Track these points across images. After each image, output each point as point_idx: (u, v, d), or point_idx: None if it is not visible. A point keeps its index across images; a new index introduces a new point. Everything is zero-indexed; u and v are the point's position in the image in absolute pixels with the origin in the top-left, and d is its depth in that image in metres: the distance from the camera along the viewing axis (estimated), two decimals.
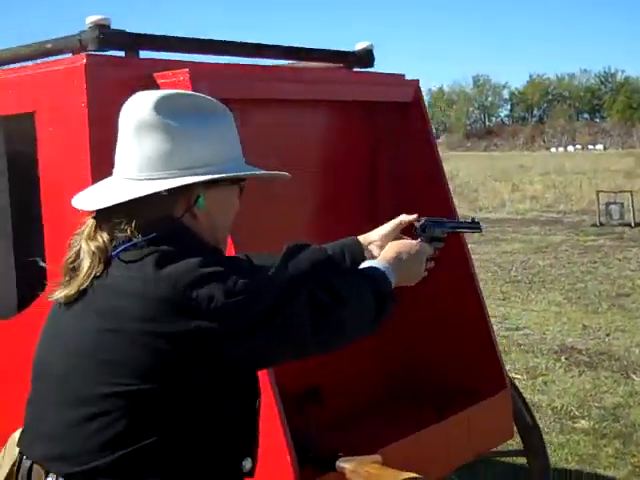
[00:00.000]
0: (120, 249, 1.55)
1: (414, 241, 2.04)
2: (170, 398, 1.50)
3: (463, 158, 42.84)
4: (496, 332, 7.91)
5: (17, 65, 2.58)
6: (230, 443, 1.61)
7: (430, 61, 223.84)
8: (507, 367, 6.64)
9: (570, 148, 69.14)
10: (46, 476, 1.51)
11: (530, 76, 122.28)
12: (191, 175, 1.59)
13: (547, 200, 20.92)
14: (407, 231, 2.13)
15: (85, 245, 1.58)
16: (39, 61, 2.50)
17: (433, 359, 3.06)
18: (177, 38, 2.55)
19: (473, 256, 10.98)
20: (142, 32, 2.46)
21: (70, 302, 1.58)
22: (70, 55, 2.39)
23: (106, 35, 2.32)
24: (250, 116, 2.70)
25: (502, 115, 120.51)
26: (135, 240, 1.55)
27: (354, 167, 3.12)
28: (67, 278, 1.59)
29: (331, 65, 3.18)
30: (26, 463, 1.55)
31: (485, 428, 2.85)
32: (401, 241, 2.02)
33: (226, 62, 2.77)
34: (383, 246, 2.03)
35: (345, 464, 2.18)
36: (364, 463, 2.15)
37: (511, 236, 14.88)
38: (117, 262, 1.55)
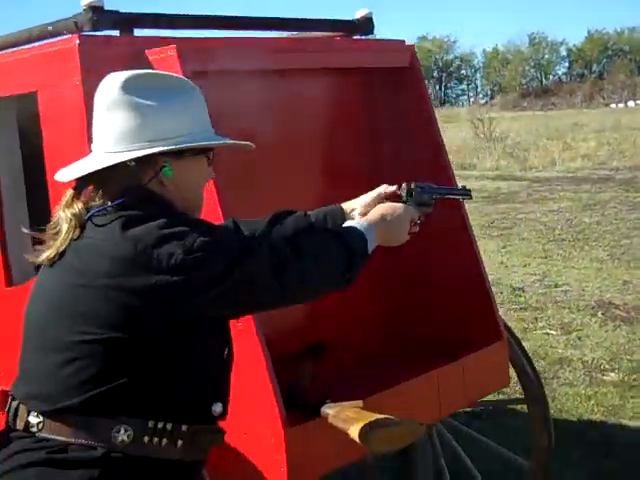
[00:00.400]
0: (91, 213, 1.73)
1: (399, 204, 2.12)
2: (138, 346, 1.66)
3: (518, 118, 42.14)
4: (534, 289, 8.03)
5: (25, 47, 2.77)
6: (198, 389, 1.76)
7: (483, 21, 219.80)
8: (542, 323, 6.82)
9: (630, 104, 67.44)
10: (28, 415, 1.69)
11: (588, 32, 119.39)
12: (155, 147, 1.74)
13: (600, 157, 20.58)
14: (396, 195, 2.24)
15: (63, 213, 1.76)
16: (42, 43, 2.67)
17: (430, 313, 3.19)
18: (169, 16, 2.69)
19: (519, 215, 11.01)
20: (136, 11, 2.61)
21: (52, 263, 1.76)
22: (74, 35, 2.55)
23: (99, 16, 2.49)
24: (245, 87, 2.84)
25: (560, 73, 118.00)
26: (105, 206, 1.72)
27: (353, 133, 3.25)
28: (50, 243, 1.77)
29: (330, 34, 3.30)
30: (13, 403, 1.73)
31: (479, 377, 2.97)
32: (386, 204, 2.12)
33: (224, 36, 2.91)
34: (364, 213, 2.15)
35: (328, 410, 2.34)
36: (345, 408, 2.30)
37: (559, 195, 14.74)
38: (90, 225, 1.73)
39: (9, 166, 2.85)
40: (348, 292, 3.12)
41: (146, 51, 2.49)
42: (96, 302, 1.66)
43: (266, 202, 2.91)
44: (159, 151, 1.74)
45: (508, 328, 3.36)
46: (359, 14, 3.30)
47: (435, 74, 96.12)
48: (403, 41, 3.26)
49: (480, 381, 3.00)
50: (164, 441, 1.69)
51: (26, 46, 2.76)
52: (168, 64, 2.43)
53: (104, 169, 1.75)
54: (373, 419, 2.16)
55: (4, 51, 2.88)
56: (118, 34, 2.61)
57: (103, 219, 1.72)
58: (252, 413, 2.41)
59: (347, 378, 2.85)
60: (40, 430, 1.67)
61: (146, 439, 1.67)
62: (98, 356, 1.66)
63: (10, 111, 2.88)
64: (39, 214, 2.77)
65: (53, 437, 1.66)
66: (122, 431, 1.65)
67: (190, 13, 2.80)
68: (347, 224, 2.00)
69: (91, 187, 1.78)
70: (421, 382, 2.80)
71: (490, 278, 8.66)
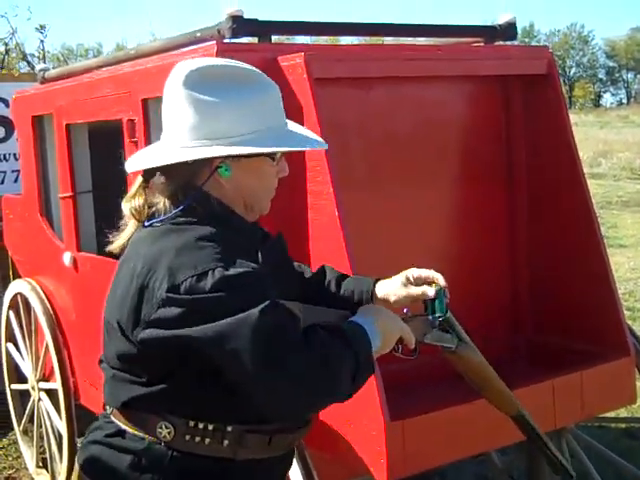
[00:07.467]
0: (150, 222, 1.78)
1: (399, 319, 1.87)
2: (165, 358, 1.69)
3: None
4: None
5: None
6: (238, 397, 1.70)
7: None
8: None
9: None
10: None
11: None
12: (214, 145, 1.70)
13: None
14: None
15: (125, 205, 1.81)
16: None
17: (556, 322, 3.17)
18: (304, 23, 2.85)
19: None
20: (274, 19, 2.80)
21: (120, 253, 1.87)
22: (213, 43, 2.76)
23: (238, 25, 2.69)
24: (376, 94, 2.95)
25: None
26: (161, 218, 1.76)
27: (488, 142, 3.27)
28: (118, 234, 1.87)
29: (471, 40, 3.34)
30: None
31: (600, 392, 2.92)
32: (395, 317, 1.87)
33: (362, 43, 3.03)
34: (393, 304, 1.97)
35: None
36: None
37: None
38: (148, 230, 1.78)
39: None
40: (475, 287, 3.16)
41: (278, 57, 2.66)
42: (133, 307, 1.70)
43: (395, 208, 3.02)
44: (212, 156, 1.72)
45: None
46: (502, 19, 3.31)
47: None
48: (545, 47, 3.24)
49: (601, 396, 2.95)
50: (207, 440, 1.73)
51: (180, 50, 3.02)
52: (296, 70, 2.59)
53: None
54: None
55: (165, 54, 3.16)
56: (256, 41, 2.80)
57: (156, 229, 1.76)
58: (357, 404, 2.52)
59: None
60: (111, 413, 1.83)
61: (187, 437, 1.73)
62: (138, 360, 1.73)
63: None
64: None
65: (116, 422, 1.80)
66: (164, 427, 1.73)
67: (331, 20, 2.93)
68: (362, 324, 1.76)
69: (158, 177, 1.80)
70: (536, 390, 2.79)
71: None
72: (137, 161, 1.84)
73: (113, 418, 1.82)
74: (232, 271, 1.61)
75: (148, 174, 1.82)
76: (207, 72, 1.74)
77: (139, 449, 1.76)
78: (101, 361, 1.88)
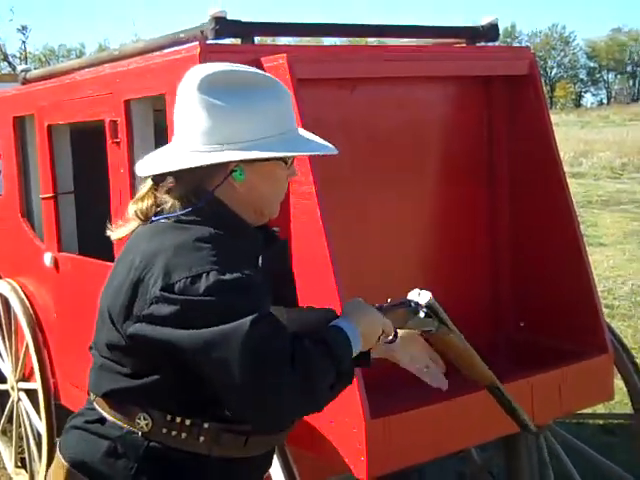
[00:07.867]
0: (157, 218, 1.79)
1: (380, 315, 1.89)
2: (150, 351, 1.70)
3: None
4: None
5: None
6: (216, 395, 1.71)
7: None
8: None
9: None
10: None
11: None
12: (228, 150, 1.72)
13: None
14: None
15: (131, 206, 1.83)
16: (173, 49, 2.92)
17: (535, 320, 3.21)
18: (286, 24, 2.87)
19: None
20: (257, 21, 2.81)
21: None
22: (196, 44, 2.77)
23: (221, 26, 2.70)
24: (360, 94, 2.97)
25: None
26: (167, 215, 1.77)
27: (470, 143, 3.30)
28: (120, 227, 1.88)
29: (453, 41, 3.37)
30: None
31: (579, 389, 2.96)
32: (376, 314, 1.88)
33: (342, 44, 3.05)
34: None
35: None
36: None
37: None
38: (150, 225, 1.79)
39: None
40: (456, 285, 3.19)
41: (262, 58, 2.67)
42: (126, 300, 1.71)
43: (377, 208, 3.04)
44: (229, 160, 1.73)
45: (620, 340, 3.32)
46: (485, 20, 3.35)
47: (629, 69, 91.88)
48: (527, 48, 3.28)
49: (580, 393, 2.99)
50: (183, 434, 1.76)
51: (163, 51, 3.03)
52: (279, 71, 2.60)
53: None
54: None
55: (148, 55, 3.16)
56: (239, 42, 2.82)
57: (159, 225, 1.78)
58: (338, 402, 2.54)
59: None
60: (94, 400, 1.86)
61: (164, 430, 1.75)
62: (124, 352, 1.75)
63: (147, 109, 3.16)
64: None
65: (98, 409, 1.83)
66: (142, 419, 1.76)
67: (310, 21, 2.95)
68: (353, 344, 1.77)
69: (162, 183, 1.81)
70: (515, 387, 2.81)
71: None
72: (149, 165, 1.83)
73: (96, 405, 1.85)
74: (227, 276, 1.62)
75: (158, 177, 1.82)
76: (221, 77, 1.76)
77: (116, 436, 1.79)
78: (91, 347, 1.90)
